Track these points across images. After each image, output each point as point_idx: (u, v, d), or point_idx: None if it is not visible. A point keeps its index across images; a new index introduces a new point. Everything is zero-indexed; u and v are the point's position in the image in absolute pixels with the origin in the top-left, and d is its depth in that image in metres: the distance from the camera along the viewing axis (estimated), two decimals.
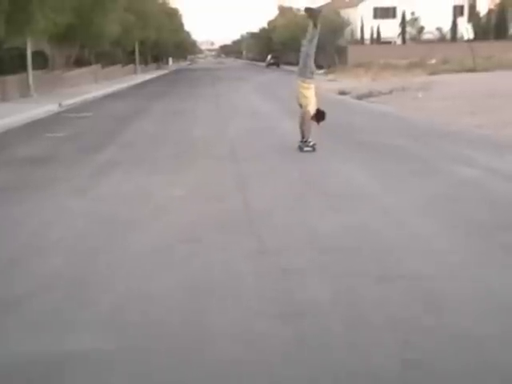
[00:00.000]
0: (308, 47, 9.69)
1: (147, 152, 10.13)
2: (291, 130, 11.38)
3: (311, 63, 9.77)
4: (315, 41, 9.71)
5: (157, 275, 4.45)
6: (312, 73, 9.87)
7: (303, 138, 9.85)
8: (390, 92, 21.53)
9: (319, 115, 10.00)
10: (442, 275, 4.29)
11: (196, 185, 7.45)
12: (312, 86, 9.92)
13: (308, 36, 9.75)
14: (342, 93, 24.67)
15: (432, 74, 28.21)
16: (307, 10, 10.13)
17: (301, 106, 10.00)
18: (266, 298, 3.96)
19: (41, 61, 28.06)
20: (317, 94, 10.20)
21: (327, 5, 70.35)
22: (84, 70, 35.95)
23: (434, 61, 40.66)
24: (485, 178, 7.44)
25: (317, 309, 3.77)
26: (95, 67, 38.99)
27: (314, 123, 10.02)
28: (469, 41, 28.25)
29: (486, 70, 26.70)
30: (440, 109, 15.41)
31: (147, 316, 3.75)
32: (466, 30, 28.19)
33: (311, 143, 9.78)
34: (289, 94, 15.81)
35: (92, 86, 32.19)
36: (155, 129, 13.63)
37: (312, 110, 9.89)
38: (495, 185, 7.10)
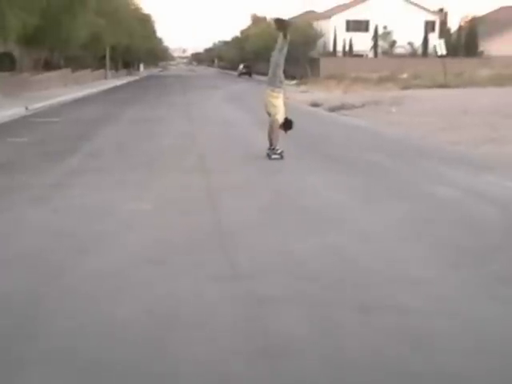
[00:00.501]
0: (277, 57, 9.90)
1: (114, 162, 9.69)
2: (262, 140, 11.08)
3: (280, 73, 9.96)
4: (285, 51, 9.87)
5: (114, 302, 4.04)
6: (281, 82, 10.03)
7: (271, 145, 10.04)
8: (363, 105, 21.37)
9: (287, 124, 10.17)
10: (428, 309, 3.97)
11: (164, 198, 7.06)
12: (281, 95, 10.10)
13: (278, 46, 9.93)
14: (315, 104, 24.48)
15: (404, 88, 28.21)
16: (277, 21, 10.17)
17: (269, 114, 10.19)
18: (237, 332, 3.60)
19: (8, 63, 27.43)
20: (285, 104, 10.28)
21: (299, 16, 70.87)
22: (53, 73, 35.30)
23: (405, 75, 40.80)
24: (464, 199, 7.19)
25: (294, 344, 3.43)
26: (65, 71, 38.35)
27: (282, 132, 10.22)
28: (441, 56, 28.30)
29: (457, 86, 26.76)
30: (414, 124, 15.24)
31: (101, 350, 3.36)
32: (438, 45, 28.24)
33: (279, 151, 9.96)
34: (260, 105, 15.51)
35: (61, 90, 31.55)
36: (123, 137, 13.20)
37: (280, 118, 10.07)
38: (476, 207, 6.84)
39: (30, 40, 22.63)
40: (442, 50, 27.78)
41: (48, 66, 35.86)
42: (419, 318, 3.79)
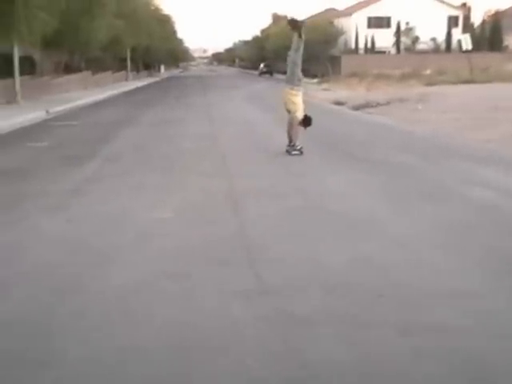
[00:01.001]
0: (294, 56, 10.20)
1: (133, 166, 9.38)
2: (284, 141, 10.73)
3: (298, 71, 10.28)
4: (301, 50, 10.16)
5: (134, 321, 3.73)
6: (299, 80, 10.34)
7: (290, 142, 10.31)
8: (388, 103, 20.92)
9: (306, 121, 10.41)
10: (479, 329, 3.58)
11: (185, 205, 6.73)
12: (300, 93, 10.39)
13: (293, 46, 10.20)
14: (338, 103, 24.07)
15: (429, 85, 27.62)
16: (291, 21, 10.32)
17: (289, 111, 10.45)
18: (267, 357, 3.25)
19: (29, 66, 27.34)
20: (304, 101, 10.55)
21: (320, 14, 70.36)
22: (74, 76, 35.24)
23: (428, 71, 40.14)
24: (500, 201, 6.77)
25: (331, 371, 3.08)
26: (85, 74, 38.29)
27: (303, 129, 10.45)
28: (467, 51, 27.67)
29: (484, 81, 26.10)
30: (442, 121, 14.78)
31: (121, 372, 3.04)
32: (464, 40, 27.61)
33: (298, 147, 10.23)
34: (282, 104, 15.16)
35: (81, 93, 31.46)
36: (143, 139, 12.91)
37: (300, 115, 10.33)
38: None
39: (49, 43, 22.45)
40: (467, 44, 27.17)
41: (68, 68, 35.81)
42: (471, 340, 3.41)
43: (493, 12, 70.00)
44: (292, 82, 10.32)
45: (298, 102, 10.33)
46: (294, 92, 10.32)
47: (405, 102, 20.61)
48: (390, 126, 15.00)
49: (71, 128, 15.65)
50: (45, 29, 17.96)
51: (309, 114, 10.43)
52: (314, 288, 4.22)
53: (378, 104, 21.07)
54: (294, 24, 10.19)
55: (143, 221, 6.04)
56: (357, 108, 21.09)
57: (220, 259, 4.86)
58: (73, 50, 29.89)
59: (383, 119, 16.52)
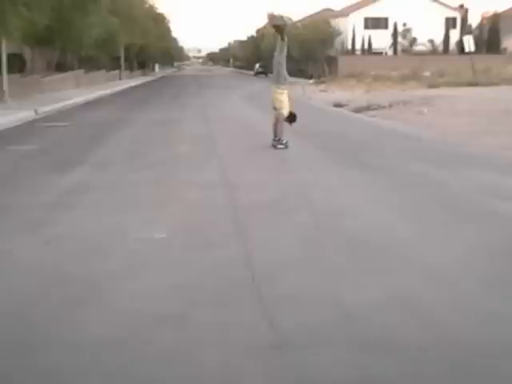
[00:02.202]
0: (279, 57, 10.83)
1: (124, 174, 8.53)
2: (292, 149, 10.00)
3: (283, 71, 10.87)
4: (285, 52, 10.81)
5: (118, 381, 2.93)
6: (285, 79, 10.97)
7: (275, 136, 10.92)
8: (390, 106, 20.16)
9: (291, 117, 11.14)
10: None
11: (181, 223, 5.91)
12: (285, 91, 11.02)
13: (278, 48, 10.82)
14: (338, 105, 23.30)
15: (431, 87, 26.88)
16: (275, 26, 10.94)
17: (275, 108, 11.10)
18: None
19: (18, 64, 26.46)
20: (290, 99, 11.16)
21: (316, 14, 69.56)
22: (65, 74, 34.35)
23: (427, 73, 39.44)
24: None
25: None
26: (78, 72, 37.40)
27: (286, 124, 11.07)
28: (470, 53, 26.94)
29: (487, 84, 25.37)
30: (451, 126, 14.00)
31: None
32: (467, 41, 26.86)
33: (284, 141, 10.88)
34: None
35: (73, 92, 30.59)
36: (136, 144, 12.07)
37: (285, 112, 10.99)
38: None
39: (40, 40, 21.57)
40: (470, 46, 26.41)
41: (61, 67, 34.94)
42: None
43: (490, 14, 69.49)
44: (278, 81, 10.98)
45: (284, 99, 10.97)
46: (279, 91, 10.96)
47: (408, 104, 19.86)
48: (396, 130, 14.19)
49: (60, 129, 14.79)
50: (33, 25, 17.03)
51: (294, 112, 11.08)
52: (341, 340, 3.41)
53: (380, 106, 20.31)
54: (277, 27, 10.79)
55: (132, 243, 5.21)
56: (358, 110, 20.32)
57: (222, 296, 4.05)
58: (65, 48, 28.91)
59: (388, 123, 15.71)
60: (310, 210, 6.38)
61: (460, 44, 59.84)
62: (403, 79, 36.55)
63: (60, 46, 27.05)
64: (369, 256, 4.89)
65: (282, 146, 10.77)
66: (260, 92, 33.69)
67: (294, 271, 4.53)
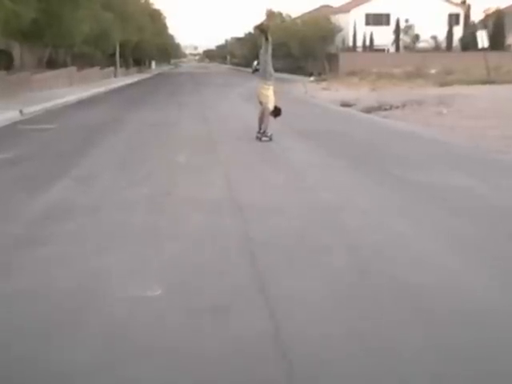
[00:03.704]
0: (265, 56, 11.58)
1: (112, 192, 7.12)
2: (306, 157, 8.63)
3: (269, 69, 11.58)
4: (269, 51, 11.52)
5: None
6: (271, 75, 11.65)
7: (260, 129, 11.62)
8: (403, 105, 18.76)
9: (276, 111, 11.86)
10: None
11: (181, 272, 4.50)
12: (271, 87, 11.75)
13: (263, 48, 11.63)
14: (345, 104, 21.90)
15: (442, 85, 25.49)
16: (258, 27, 12.58)
17: (261, 103, 11.79)
18: None
19: (5, 61, 25.02)
20: (275, 94, 11.86)
21: (316, 11, 68.08)
22: (57, 72, 32.86)
23: (433, 71, 38.07)
24: None
25: None
26: (70, 69, 35.90)
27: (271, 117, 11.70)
28: (483, 49, 25.56)
29: (504, 82, 23.95)
30: (477, 129, 12.65)
31: None
32: (480, 37, 25.45)
33: (269, 134, 11.53)
34: (287, 106, 13.05)
35: (65, 90, 29.15)
36: (128, 151, 10.64)
37: (271, 106, 11.69)
38: None
39: (27, 34, 20.09)
40: (484, 41, 25.02)
41: (52, 64, 33.49)
42: None
43: (492, 11, 68.15)
44: (264, 78, 11.68)
45: (270, 94, 11.69)
46: (266, 86, 11.70)
47: (423, 104, 18.47)
48: (416, 133, 12.81)
49: (44, 133, 13.37)
50: (18, 18, 15.60)
51: (279, 106, 11.81)
52: None
53: (393, 106, 18.92)
54: (261, 29, 11.95)
55: (116, 306, 3.79)
56: (368, 111, 18.93)
57: None
58: (56, 43, 27.40)
59: (406, 125, 14.33)
60: (345, 247, 4.98)
61: (464, 40, 58.89)
62: (408, 77, 35.19)
63: (50, 42, 25.51)
64: (412, 300, 3.52)
65: (266, 139, 11.43)
66: None
67: (342, 364, 3.15)
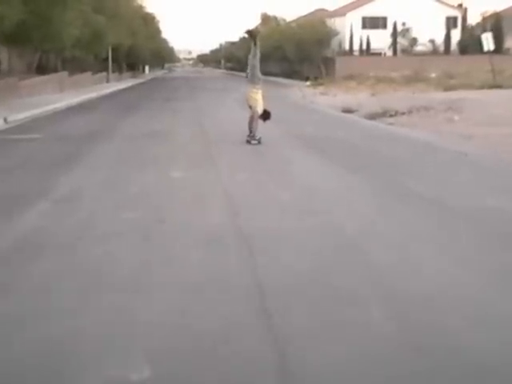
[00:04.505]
0: (253, 61, 11.81)
1: (94, 220, 6.09)
2: (316, 172, 7.68)
3: (257, 73, 11.81)
4: (258, 55, 11.80)
5: None
6: (259, 79, 11.86)
7: (250, 132, 11.77)
8: (410, 111, 17.81)
9: (265, 115, 11.96)
10: None
11: (178, 329, 3.51)
12: (260, 91, 11.93)
13: (252, 52, 11.86)
14: (347, 110, 20.96)
15: (447, 89, 24.56)
16: (247, 32, 12.51)
17: (250, 107, 11.95)
18: None
19: None
20: (263, 98, 12.02)
21: (311, 14, 67.16)
22: (47, 77, 31.80)
23: (433, 75, 37.21)
24: None
25: None
26: (61, 74, 34.83)
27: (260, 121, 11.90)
28: (489, 52, 24.64)
29: (510, 86, 23.03)
30: (496, 137, 11.70)
31: None
32: (485, 39, 24.54)
33: (257, 137, 11.70)
34: (292, 114, 12.09)
35: (55, 96, 28.13)
36: (117, 166, 9.57)
37: (260, 110, 11.82)
38: None
39: (12, 37, 19.01)
40: (489, 44, 24.10)
41: (42, 69, 32.45)
42: None
43: (488, 14, 67.41)
44: (253, 82, 11.88)
45: (259, 98, 11.85)
46: (254, 90, 11.87)
47: (431, 110, 17.52)
48: (432, 144, 11.83)
49: (28, 144, 12.34)
50: (1, 20, 14.55)
51: (268, 110, 11.91)
52: None
53: (398, 112, 17.97)
54: (250, 34, 12.17)
55: None
56: (372, 117, 18.00)
57: None
58: (44, 47, 26.29)
59: (417, 134, 13.36)
60: (382, 299, 3.96)
61: (462, 43, 58.08)
62: (408, 81, 34.29)
63: (38, 45, 24.42)
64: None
65: (255, 142, 11.60)
66: None
67: None
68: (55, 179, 8.24)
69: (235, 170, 9.01)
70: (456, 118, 14.98)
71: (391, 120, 16.68)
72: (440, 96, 21.55)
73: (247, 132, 11.95)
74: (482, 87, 23.18)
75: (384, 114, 18.10)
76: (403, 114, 17.67)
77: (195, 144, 12.19)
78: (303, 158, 10.30)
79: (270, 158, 10.33)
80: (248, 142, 11.64)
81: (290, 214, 6.25)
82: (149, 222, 5.95)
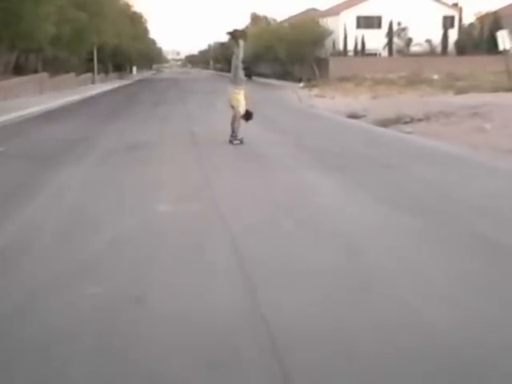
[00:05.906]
0: (236, 61, 11.85)
1: (55, 278, 4.10)
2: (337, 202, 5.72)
3: (240, 73, 11.81)
4: (240, 56, 11.74)
5: None
6: (242, 80, 11.85)
7: (233, 132, 11.78)
8: (427, 118, 15.86)
9: (248, 115, 11.98)
10: None
11: None
12: (242, 91, 11.91)
13: (234, 53, 11.94)
14: (353, 115, 18.99)
15: (458, 93, 22.67)
16: (230, 33, 12.17)
17: (232, 107, 11.96)
18: None
19: None
20: (246, 98, 11.95)
21: (302, 14, 65.25)
22: (26, 78, 29.72)
23: (436, 76, 35.41)
24: None
25: None
26: (41, 76, 32.69)
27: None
28: (505, 52, 22.75)
29: None
30: None
31: None
32: (501, 37, 22.66)
33: (239, 137, 11.74)
34: (289, 120, 10.12)
35: (33, 99, 26.07)
36: (86, 196, 7.42)
37: (242, 110, 11.84)
38: None
39: None
40: (505, 43, 22.21)
41: (21, 69, 30.30)
42: None
43: (483, 13, 65.96)
44: (235, 83, 11.84)
45: (241, 98, 11.83)
46: (237, 91, 11.82)
47: (451, 116, 15.57)
48: (468, 160, 9.85)
49: None
50: None
51: (250, 110, 11.89)
52: None
53: (414, 119, 16.02)
54: (233, 35, 11.96)
55: None
56: (383, 124, 16.03)
57: None
58: (17, 45, 24.10)
59: (447, 147, 11.37)
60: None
61: (459, 43, 56.38)
62: (410, 83, 32.43)
63: (9, 44, 22.24)
64: None
65: (237, 142, 11.61)
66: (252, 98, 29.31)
67: None
68: (9, 212, 6.19)
69: (238, 201, 6.96)
70: (487, 126, 12.99)
71: (408, 128, 14.69)
72: (455, 100, 19.64)
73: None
74: (495, 90, 21.25)
75: (398, 120, 16.15)
76: (420, 120, 15.73)
77: (186, 160, 10.17)
78: (330, 187, 8.20)
79: (280, 179, 8.28)
80: (230, 142, 11.63)
81: (319, 277, 4.25)
82: (116, 304, 3.90)
